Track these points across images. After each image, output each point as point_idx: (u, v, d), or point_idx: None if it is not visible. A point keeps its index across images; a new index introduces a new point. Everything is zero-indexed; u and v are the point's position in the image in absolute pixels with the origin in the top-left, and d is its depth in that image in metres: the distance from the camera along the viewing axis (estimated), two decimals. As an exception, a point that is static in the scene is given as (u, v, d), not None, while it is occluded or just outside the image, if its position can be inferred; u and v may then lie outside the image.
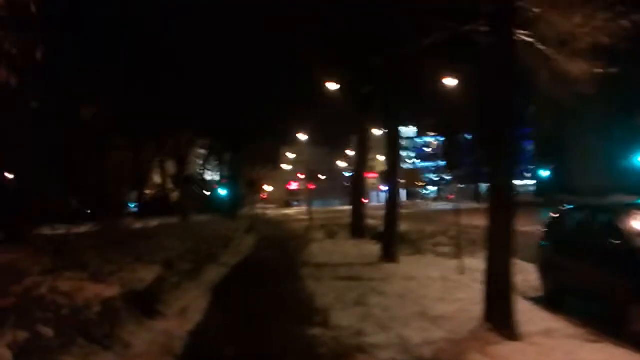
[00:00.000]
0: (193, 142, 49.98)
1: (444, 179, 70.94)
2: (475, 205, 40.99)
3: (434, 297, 7.81)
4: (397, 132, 12.31)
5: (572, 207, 8.19)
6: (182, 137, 44.47)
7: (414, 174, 44.30)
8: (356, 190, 16.37)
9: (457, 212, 11.97)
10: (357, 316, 6.84)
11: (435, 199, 59.76)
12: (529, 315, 6.24)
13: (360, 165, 16.57)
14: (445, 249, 12.63)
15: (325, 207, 53.89)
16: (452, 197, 56.81)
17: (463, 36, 10.96)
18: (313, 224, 21.43)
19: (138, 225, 24.16)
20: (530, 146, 60.59)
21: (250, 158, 45.13)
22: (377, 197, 52.35)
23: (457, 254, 12.18)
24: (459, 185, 56.68)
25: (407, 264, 10.96)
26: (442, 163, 72.04)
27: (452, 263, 11.30)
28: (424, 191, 64.15)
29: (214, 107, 28.73)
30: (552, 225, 8.37)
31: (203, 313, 7.49)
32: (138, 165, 43.75)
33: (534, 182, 67.14)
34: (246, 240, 16.69)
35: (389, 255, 11.06)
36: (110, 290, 6.08)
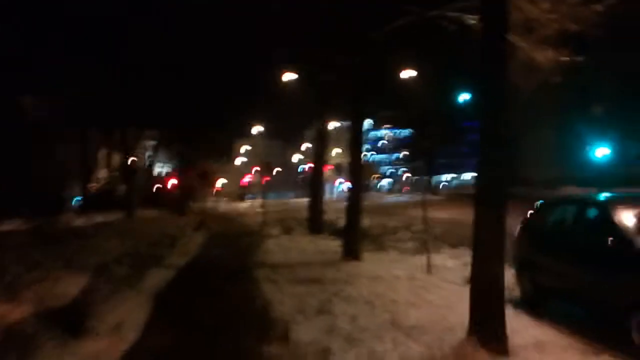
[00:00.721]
0: (141, 133, 47.92)
1: (397, 172, 71.25)
2: (432, 197, 41.10)
3: (405, 301, 6.99)
4: (362, 125, 11.47)
5: (551, 200, 7.56)
6: (129, 128, 42.47)
7: (369, 168, 44.08)
8: (314, 183, 15.45)
9: (421, 205, 11.24)
10: (321, 328, 5.92)
11: (389, 192, 59.79)
12: (513, 323, 5.51)
13: (319, 158, 15.65)
14: (409, 245, 11.93)
15: (280, 200, 52.84)
16: (407, 189, 56.90)
17: (430, 23, 10.35)
18: (268, 218, 20.37)
19: (79, 221, 22.51)
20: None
21: (203, 150, 43.60)
22: (332, 190, 51.67)
23: (422, 250, 11.53)
24: (414, 178, 56.90)
25: (371, 262, 10.14)
26: (395, 156, 72.28)
27: (418, 260, 10.61)
28: (378, 184, 64.06)
29: (163, 98, 27.49)
30: (529, 220, 7.73)
31: (142, 328, 6.36)
32: (83, 158, 41.43)
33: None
34: (196, 237, 15.41)
35: (351, 253, 10.20)
36: (20, 310, 4.90)
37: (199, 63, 27.81)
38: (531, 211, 7.80)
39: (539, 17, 9.07)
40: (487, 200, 4.97)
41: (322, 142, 15.72)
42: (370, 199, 45.44)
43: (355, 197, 10.19)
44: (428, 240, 11.33)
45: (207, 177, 25.97)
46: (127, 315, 6.72)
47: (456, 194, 39.18)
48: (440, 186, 53.33)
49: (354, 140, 10.48)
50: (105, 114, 29.08)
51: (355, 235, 10.19)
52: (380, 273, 9.00)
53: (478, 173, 5.20)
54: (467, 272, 5.81)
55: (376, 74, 14.97)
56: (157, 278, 9.22)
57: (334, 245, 13.19)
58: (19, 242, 10.34)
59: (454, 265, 9.84)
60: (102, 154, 44.10)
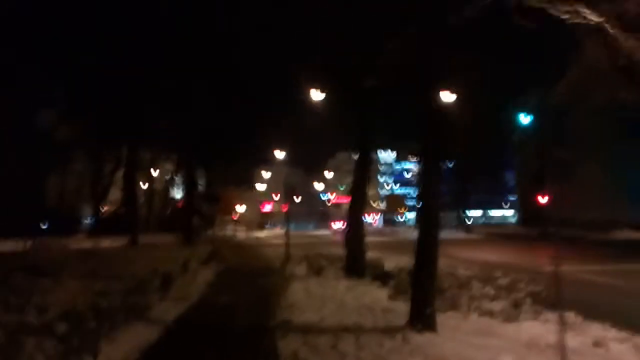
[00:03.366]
0: (159, 154, 45.37)
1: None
2: (467, 236, 36.97)
3: None
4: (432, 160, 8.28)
5: None
6: (143, 147, 40.15)
7: (398, 200, 40.40)
8: (353, 217, 11.86)
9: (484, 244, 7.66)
10: None
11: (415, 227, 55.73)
12: None
13: (359, 188, 12.12)
14: (493, 305, 8.25)
15: (301, 231, 49.34)
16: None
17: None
18: (291, 252, 16.84)
19: (79, 244, 19.56)
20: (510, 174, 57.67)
21: (223, 176, 40.84)
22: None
23: (515, 313, 7.90)
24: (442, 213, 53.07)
25: (453, 336, 6.51)
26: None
27: (517, 331, 7.00)
28: (404, 218, 59.96)
29: (183, 119, 25.01)
30: None
31: None
32: (95, 178, 38.81)
33: (511, 212, 63.98)
34: (202, 274, 11.82)
35: (421, 319, 6.59)
36: None
37: (220, 84, 25.67)
38: None
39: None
40: None
41: (364, 170, 12.27)
42: (395, 235, 41.44)
43: (429, 235, 6.62)
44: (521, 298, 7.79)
45: (224, 202, 22.76)
46: None
47: (495, 234, 34.86)
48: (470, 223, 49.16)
49: (425, 174, 7.01)
50: (123, 133, 26.75)
51: (429, 293, 6.60)
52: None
53: None
54: None
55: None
56: (128, 344, 5.75)
57: (382, 296, 9.60)
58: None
59: (587, 346, 6.20)
60: (118, 175, 41.53)
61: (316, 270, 12.47)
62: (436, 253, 6.70)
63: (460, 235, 38.47)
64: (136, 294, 7.40)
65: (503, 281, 9.01)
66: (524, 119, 27.27)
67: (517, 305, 8.11)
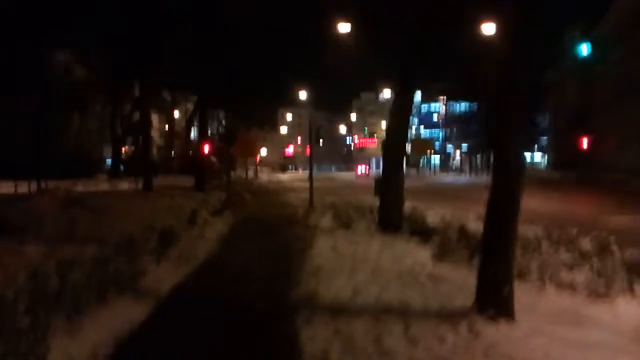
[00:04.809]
0: (178, 98, 43.62)
1: (445, 149, 64.71)
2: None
3: None
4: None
5: None
6: (165, 92, 38.73)
7: (426, 143, 38.02)
8: (390, 164, 9.86)
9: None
10: None
11: (441, 171, 53.41)
12: None
13: (400, 129, 10.03)
14: (572, 275, 6.43)
15: (324, 174, 47.79)
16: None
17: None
18: (315, 198, 15.19)
19: (96, 187, 18.42)
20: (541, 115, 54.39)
21: (245, 117, 39.16)
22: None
23: (603, 288, 6.12)
24: (474, 156, 50.40)
25: (534, 324, 4.77)
26: (440, 132, 65.82)
27: (613, 315, 5.25)
28: (429, 161, 57.55)
29: (203, 57, 23.27)
30: None
31: None
32: (113, 119, 37.53)
33: (540, 155, 61.12)
34: (212, 227, 10.15)
35: (494, 299, 4.82)
36: None
37: (240, 19, 23.79)
38: None
39: None
40: None
41: (405, 108, 10.17)
42: (422, 180, 39.39)
43: (508, 188, 4.69)
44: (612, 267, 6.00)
45: (246, 144, 21.10)
46: None
47: (529, 177, 32.35)
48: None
49: (503, 108, 4.99)
50: (143, 71, 25.10)
51: (507, 266, 4.78)
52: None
53: None
54: None
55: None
56: (82, 347, 4.16)
57: (425, 257, 7.87)
58: None
59: None
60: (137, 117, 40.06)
61: (344, 222, 10.76)
62: (517, 212, 4.83)
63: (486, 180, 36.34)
64: (123, 258, 5.82)
65: (584, 243, 7.11)
66: (584, 48, 24.32)
67: (603, 275, 6.28)
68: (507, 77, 4.82)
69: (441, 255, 7.88)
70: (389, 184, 9.61)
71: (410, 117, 11.42)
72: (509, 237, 4.81)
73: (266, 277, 6.73)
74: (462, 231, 8.09)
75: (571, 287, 6.15)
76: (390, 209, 9.47)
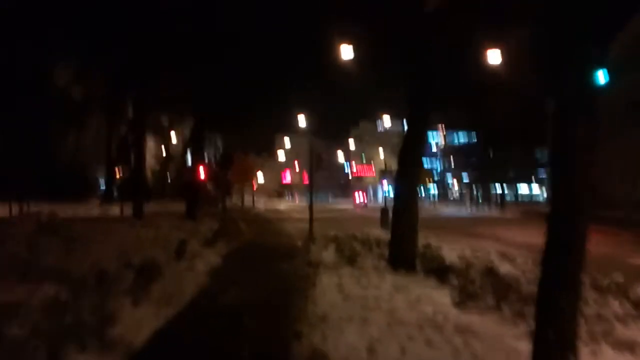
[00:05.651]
0: (175, 121, 42.88)
1: (442, 180, 63.86)
2: (500, 215, 33.40)
3: None
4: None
5: None
6: (163, 115, 38.01)
7: (426, 173, 37.04)
8: (405, 189, 8.75)
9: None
10: None
11: (439, 202, 52.27)
12: None
13: (414, 152, 8.99)
14: (630, 332, 5.35)
15: (321, 204, 46.66)
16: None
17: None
18: (316, 229, 14.11)
19: (85, 211, 17.33)
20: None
21: (242, 141, 38.44)
22: (380, 195, 45.11)
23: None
24: (473, 187, 49.36)
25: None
26: (438, 162, 65.20)
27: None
28: (430, 191, 56.38)
29: (202, 77, 22.47)
30: None
31: None
32: (109, 141, 36.63)
33: (537, 187, 60.19)
34: (203, 260, 8.99)
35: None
36: None
37: (242, 38, 23.12)
38: None
39: None
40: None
41: (420, 129, 9.19)
42: (429, 212, 38.03)
43: (573, 229, 3.68)
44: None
45: (243, 170, 20.14)
46: None
47: (531, 212, 31.29)
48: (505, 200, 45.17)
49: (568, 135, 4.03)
50: (139, 82, 23.96)
51: (571, 327, 3.71)
52: None
53: None
54: None
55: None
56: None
57: (446, 303, 6.77)
58: None
59: None
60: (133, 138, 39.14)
61: (348, 257, 9.63)
62: (583, 252, 3.79)
63: (494, 213, 35.26)
64: (88, 299, 4.73)
65: (636, 290, 6.04)
66: (601, 76, 23.50)
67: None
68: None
69: (463, 300, 6.80)
70: (401, 215, 8.54)
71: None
72: (576, 294, 3.75)
73: (262, 326, 5.61)
74: (491, 273, 7.00)
75: (630, 347, 5.07)
76: (402, 243, 8.37)
